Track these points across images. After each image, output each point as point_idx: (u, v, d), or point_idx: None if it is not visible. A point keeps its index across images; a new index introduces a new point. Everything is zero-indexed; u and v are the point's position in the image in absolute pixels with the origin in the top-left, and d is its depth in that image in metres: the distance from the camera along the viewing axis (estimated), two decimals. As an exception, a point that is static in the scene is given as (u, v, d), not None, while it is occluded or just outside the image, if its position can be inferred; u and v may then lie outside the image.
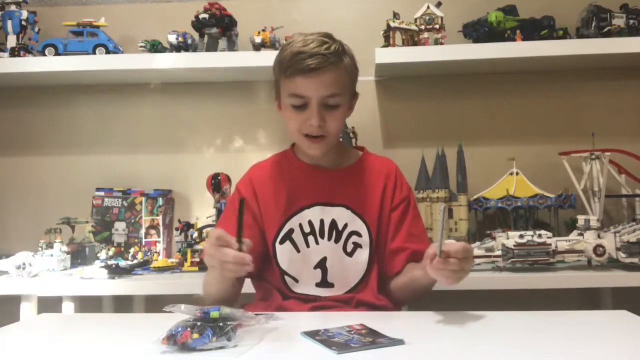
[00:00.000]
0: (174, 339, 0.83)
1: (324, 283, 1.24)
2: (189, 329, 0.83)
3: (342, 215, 1.26)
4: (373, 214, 1.27)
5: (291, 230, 1.26)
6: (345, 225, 1.25)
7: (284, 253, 1.26)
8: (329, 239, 1.25)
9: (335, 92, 1.19)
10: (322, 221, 1.26)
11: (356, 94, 1.30)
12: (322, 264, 1.24)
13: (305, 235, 1.26)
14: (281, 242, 1.26)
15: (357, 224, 1.26)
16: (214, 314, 0.86)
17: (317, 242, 1.25)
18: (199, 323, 0.85)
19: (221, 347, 0.83)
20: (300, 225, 1.26)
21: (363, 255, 1.25)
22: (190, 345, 0.82)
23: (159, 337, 0.84)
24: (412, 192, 1.35)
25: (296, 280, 1.25)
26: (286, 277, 1.25)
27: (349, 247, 1.25)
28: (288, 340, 0.91)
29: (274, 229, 1.27)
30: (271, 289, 1.27)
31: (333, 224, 1.25)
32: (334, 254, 1.25)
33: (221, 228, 1.22)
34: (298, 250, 1.26)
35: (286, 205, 1.27)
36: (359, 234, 1.25)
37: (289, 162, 1.34)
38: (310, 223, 1.26)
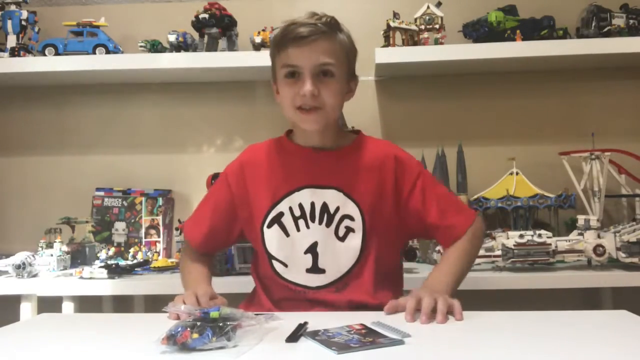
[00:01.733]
0: (173, 339, 0.83)
1: (314, 269, 1.20)
2: (188, 329, 0.83)
3: (334, 198, 1.21)
4: (367, 198, 1.22)
5: (281, 214, 1.22)
6: (337, 209, 1.21)
7: (272, 237, 1.22)
8: (320, 222, 1.21)
9: (328, 61, 1.16)
10: (312, 204, 1.21)
11: (355, 77, 1.26)
12: (312, 249, 1.20)
13: (295, 218, 1.22)
14: (269, 226, 1.23)
15: (349, 207, 1.21)
16: (214, 314, 0.86)
17: (307, 226, 1.21)
18: (198, 323, 0.85)
19: (221, 347, 0.83)
20: (291, 209, 1.22)
21: (355, 240, 1.21)
22: (190, 345, 0.82)
23: (159, 337, 0.84)
24: (421, 166, 1.31)
25: (285, 265, 1.22)
26: (274, 262, 1.22)
27: (341, 232, 1.21)
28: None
29: (262, 212, 1.23)
30: (257, 290, 1.27)
31: (324, 207, 1.21)
32: (326, 239, 1.21)
33: (191, 220, 1.35)
34: (287, 235, 1.22)
35: (276, 188, 1.23)
36: (351, 218, 1.21)
37: (282, 146, 1.29)
38: (300, 206, 1.22)
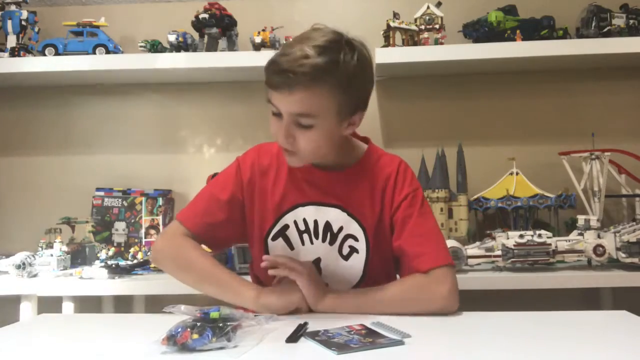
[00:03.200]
0: (173, 340, 0.83)
1: None
2: (188, 329, 0.83)
3: (337, 218, 1.19)
4: (371, 219, 1.19)
5: (285, 227, 1.21)
6: (341, 229, 1.19)
7: (276, 250, 1.21)
8: (324, 240, 1.20)
9: (306, 113, 1.06)
10: (316, 222, 1.20)
11: (357, 113, 1.15)
12: (316, 264, 1.19)
13: (300, 232, 1.21)
14: (274, 239, 1.21)
15: (353, 228, 1.19)
16: (214, 314, 0.86)
17: (311, 242, 1.20)
18: (198, 323, 0.85)
19: (221, 348, 0.83)
20: (295, 222, 1.20)
21: (359, 260, 1.19)
22: (190, 345, 0.82)
23: (159, 338, 0.84)
24: (419, 189, 1.22)
25: None
26: None
27: (345, 251, 1.20)
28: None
29: (267, 224, 1.21)
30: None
31: (327, 225, 1.20)
32: (329, 256, 1.20)
33: (188, 210, 1.23)
34: (292, 247, 1.21)
35: (281, 201, 1.21)
36: (355, 238, 1.19)
37: None
38: (305, 221, 1.20)
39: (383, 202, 1.20)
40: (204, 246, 1.23)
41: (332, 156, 1.20)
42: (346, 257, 1.20)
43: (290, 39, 1.16)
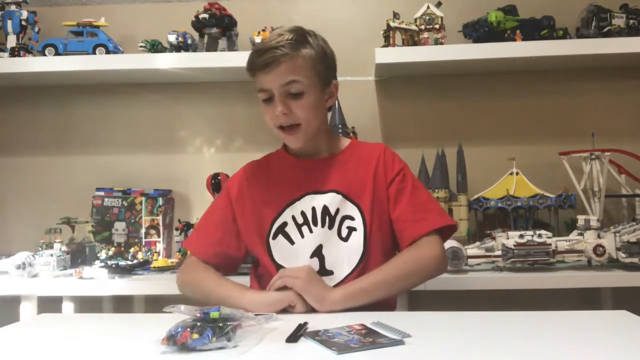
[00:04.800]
0: (173, 339, 0.83)
1: (322, 271, 1.22)
2: (188, 329, 0.83)
3: (333, 201, 1.25)
4: (366, 197, 1.25)
5: (284, 224, 1.26)
6: (338, 210, 1.25)
7: (277, 248, 1.26)
8: (323, 225, 1.25)
9: (293, 80, 1.20)
10: (313, 209, 1.25)
11: (332, 82, 1.30)
12: (318, 252, 1.23)
13: (299, 226, 1.26)
14: (274, 237, 1.26)
15: (349, 208, 1.25)
16: (214, 314, 0.86)
17: (310, 231, 1.25)
18: (198, 323, 0.85)
19: (221, 348, 0.83)
20: (294, 217, 1.26)
21: (358, 237, 1.24)
22: (190, 345, 0.82)
23: (159, 338, 0.84)
24: (408, 168, 1.32)
25: None
26: None
27: (344, 232, 1.24)
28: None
29: (267, 224, 1.27)
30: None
31: (325, 210, 1.25)
32: (329, 240, 1.24)
33: (197, 237, 1.35)
34: (292, 243, 1.25)
35: (278, 200, 1.28)
36: (351, 218, 1.25)
37: (279, 158, 1.35)
38: (302, 213, 1.26)
39: (375, 179, 1.27)
40: None
41: (322, 141, 1.30)
42: (345, 239, 1.25)
43: None
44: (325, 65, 1.26)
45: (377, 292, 1.15)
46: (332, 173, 1.28)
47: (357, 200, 1.25)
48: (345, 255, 1.24)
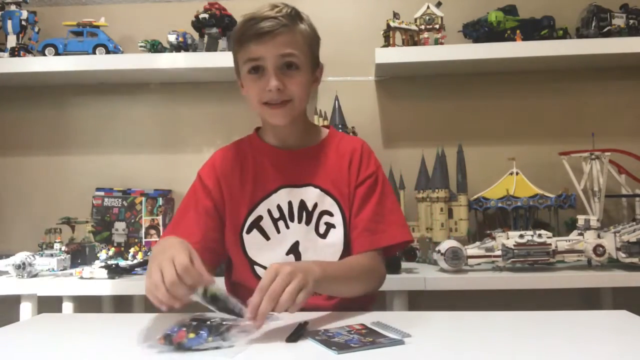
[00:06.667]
0: (170, 339, 0.83)
1: None
2: (184, 328, 0.84)
3: (311, 195, 1.20)
4: (344, 192, 1.21)
5: (259, 218, 1.20)
6: (315, 205, 1.20)
7: (252, 242, 1.20)
8: (300, 221, 1.19)
9: (291, 52, 1.14)
10: (290, 203, 1.20)
11: (320, 65, 1.25)
12: (294, 249, 1.19)
13: (275, 220, 1.20)
14: (248, 232, 1.20)
15: (328, 203, 1.20)
16: (211, 290, 0.88)
17: (287, 227, 1.20)
18: (194, 323, 0.85)
19: (217, 347, 0.83)
20: (269, 211, 1.20)
21: (337, 235, 1.19)
22: (186, 345, 0.83)
23: (156, 337, 0.84)
24: (381, 170, 1.27)
25: None
26: (257, 268, 1.20)
27: (322, 229, 1.20)
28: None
29: (240, 218, 1.21)
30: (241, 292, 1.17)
31: (302, 204, 1.20)
32: (307, 237, 1.19)
33: (175, 229, 1.18)
34: (267, 238, 1.20)
35: (252, 192, 1.21)
36: (330, 214, 1.20)
37: (253, 146, 1.28)
38: (279, 207, 1.20)
39: (349, 174, 1.22)
40: None
41: (300, 127, 1.24)
42: (323, 235, 1.20)
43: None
44: (316, 46, 1.23)
45: (338, 287, 1.09)
46: (310, 166, 1.23)
47: (336, 195, 1.20)
48: (322, 253, 1.19)
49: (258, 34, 1.13)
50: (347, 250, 1.19)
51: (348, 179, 1.22)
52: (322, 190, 1.21)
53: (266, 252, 1.20)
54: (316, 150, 1.25)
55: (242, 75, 1.20)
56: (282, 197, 1.21)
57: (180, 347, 0.83)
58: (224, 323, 0.86)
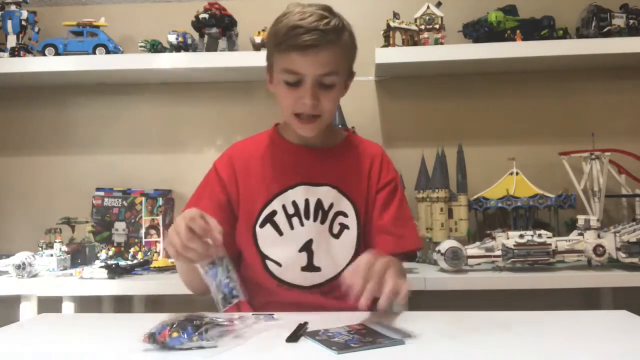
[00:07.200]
0: (154, 338, 0.83)
1: (310, 267, 1.18)
2: (167, 328, 0.84)
3: (327, 195, 1.20)
4: (360, 194, 1.22)
5: (274, 212, 1.20)
6: (331, 205, 1.20)
7: (265, 237, 1.20)
8: (315, 219, 1.19)
9: (332, 71, 1.12)
10: (307, 201, 1.20)
11: (352, 73, 1.24)
12: (307, 247, 1.19)
13: (289, 217, 1.20)
14: (262, 226, 1.20)
15: (344, 204, 1.21)
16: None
17: (301, 224, 1.19)
18: (179, 322, 0.85)
19: (200, 347, 0.83)
20: (284, 207, 1.20)
21: (350, 236, 1.20)
22: (169, 344, 0.83)
23: (141, 336, 0.84)
24: (399, 177, 1.30)
25: (279, 265, 1.19)
26: (268, 262, 1.20)
27: (335, 229, 1.20)
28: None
29: (255, 211, 1.21)
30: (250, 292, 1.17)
31: (319, 203, 1.20)
32: (320, 236, 1.19)
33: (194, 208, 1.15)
34: (281, 233, 1.20)
35: (269, 187, 1.21)
36: (345, 214, 1.20)
37: (273, 142, 1.27)
38: (294, 204, 1.20)
39: (370, 179, 1.24)
40: None
41: (322, 133, 1.23)
42: (337, 235, 1.21)
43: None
44: (354, 57, 1.21)
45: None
46: (329, 166, 1.23)
47: (353, 197, 1.21)
48: (335, 252, 1.20)
49: (302, 47, 1.10)
50: (358, 252, 1.19)
51: (367, 183, 1.24)
52: (339, 190, 1.22)
53: (279, 247, 1.20)
54: (335, 150, 1.27)
55: (276, 80, 1.18)
56: (299, 194, 1.21)
57: (164, 346, 0.83)
58: (208, 323, 0.86)
